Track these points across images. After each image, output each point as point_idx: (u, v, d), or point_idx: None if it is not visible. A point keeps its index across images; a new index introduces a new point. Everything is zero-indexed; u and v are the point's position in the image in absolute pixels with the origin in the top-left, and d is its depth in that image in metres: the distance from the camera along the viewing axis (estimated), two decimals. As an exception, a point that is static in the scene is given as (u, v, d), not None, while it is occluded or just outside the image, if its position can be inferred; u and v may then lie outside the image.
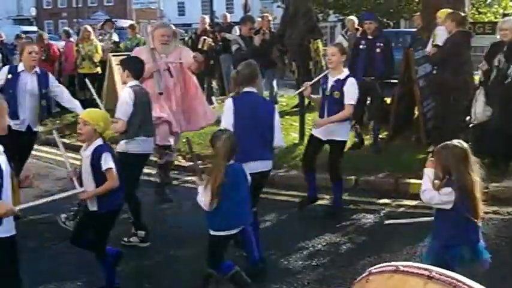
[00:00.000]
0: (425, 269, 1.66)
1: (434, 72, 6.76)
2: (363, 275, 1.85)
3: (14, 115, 4.94)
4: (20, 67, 5.32)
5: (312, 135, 5.28)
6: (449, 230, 3.10)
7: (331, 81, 5.02)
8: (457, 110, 6.58)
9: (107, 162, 3.52)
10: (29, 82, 5.28)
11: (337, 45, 5.11)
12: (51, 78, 5.54)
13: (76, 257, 4.39)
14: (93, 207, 3.62)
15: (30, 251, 4.51)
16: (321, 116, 5.11)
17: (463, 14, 6.75)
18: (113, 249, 3.82)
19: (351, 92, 4.97)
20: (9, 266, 2.99)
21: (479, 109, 6.13)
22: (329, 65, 5.06)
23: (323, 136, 5.10)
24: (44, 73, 5.49)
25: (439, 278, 1.61)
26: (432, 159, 3.26)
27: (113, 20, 13.21)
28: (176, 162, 6.97)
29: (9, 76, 5.25)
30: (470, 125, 6.51)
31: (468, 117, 6.50)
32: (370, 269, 1.85)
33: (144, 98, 4.66)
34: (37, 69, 5.37)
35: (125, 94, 4.57)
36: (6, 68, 5.41)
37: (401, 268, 1.72)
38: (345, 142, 5.24)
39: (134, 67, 4.68)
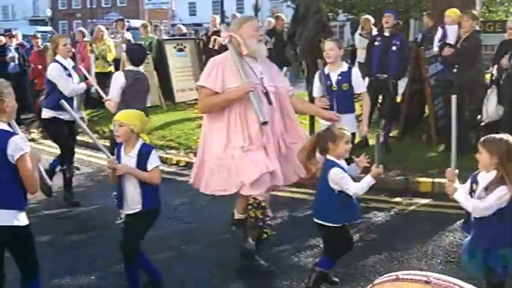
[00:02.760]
0: (423, 275, 1.75)
1: (455, 71, 6.68)
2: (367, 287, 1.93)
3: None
4: (64, 61, 5.40)
5: None
6: (492, 232, 3.04)
7: (334, 76, 5.05)
8: (469, 108, 6.59)
9: (155, 161, 3.52)
10: (75, 75, 5.48)
11: (334, 40, 5.15)
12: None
13: (90, 251, 4.48)
14: (136, 207, 3.55)
15: (45, 246, 4.60)
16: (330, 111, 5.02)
17: (475, 13, 6.78)
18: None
19: (360, 80, 5.16)
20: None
21: (492, 108, 6.14)
22: (328, 59, 5.05)
23: None
24: (75, 64, 5.73)
25: (436, 282, 1.70)
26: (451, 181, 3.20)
27: (126, 20, 13.32)
28: (188, 159, 7.06)
29: (67, 72, 5.37)
30: (482, 124, 6.51)
31: (479, 116, 6.51)
32: (374, 282, 1.93)
33: (135, 84, 4.86)
34: (71, 61, 5.56)
35: (115, 77, 4.96)
36: (58, 65, 5.35)
37: (401, 276, 1.80)
38: (355, 134, 5.25)
39: (133, 55, 5.12)
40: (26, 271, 3.13)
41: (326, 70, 5.11)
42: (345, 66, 5.07)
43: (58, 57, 5.39)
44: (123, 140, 3.53)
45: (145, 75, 5.32)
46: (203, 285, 4.00)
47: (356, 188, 3.50)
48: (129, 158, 3.52)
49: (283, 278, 4.02)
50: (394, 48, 6.86)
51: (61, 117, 5.28)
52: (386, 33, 6.99)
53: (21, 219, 2.99)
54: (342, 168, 3.55)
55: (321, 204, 3.67)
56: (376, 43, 7.06)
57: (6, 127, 2.96)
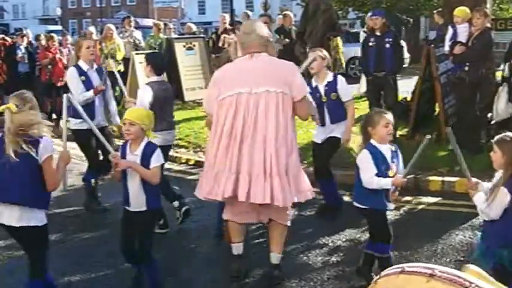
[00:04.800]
0: (429, 268, 1.77)
1: (466, 69, 6.63)
2: (374, 279, 1.95)
3: (91, 116, 4.93)
4: (84, 66, 5.25)
5: (315, 144, 5.24)
6: (493, 230, 3.08)
7: (321, 87, 4.96)
8: (479, 106, 6.56)
9: (158, 159, 3.55)
10: (97, 80, 5.30)
11: (317, 50, 5.06)
12: (105, 74, 5.55)
13: (101, 249, 4.51)
14: (141, 207, 3.57)
15: (56, 244, 4.64)
16: (323, 123, 5.02)
17: (487, 10, 6.75)
18: None
19: (347, 89, 5.06)
20: None
21: (502, 106, 6.11)
22: (311, 71, 4.98)
23: (325, 137, 5.02)
24: (101, 68, 5.55)
25: (441, 275, 1.71)
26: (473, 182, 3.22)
27: (133, 18, 13.33)
28: (197, 158, 7.07)
29: (83, 78, 5.19)
30: (493, 122, 6.48)
31: (490, 114, 6.48)
32: (379, 275, 1.94)
33: (161, 94, 4.75)
34: (95, 65, 5.43)
35: (143, 91, 4.76)
36: (74, 70, 5.24)
37: (407, 269, 1.81)
38: (339, 140, 5.12)
39: (156, 63, 4.87)
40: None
41: (313, 83, 5.03)
42: (330, 76, 4.99)
43: (80, 62, 5.29)
44: (134, 138, 3.57)
45: (169, 84, 5.16)
46: (211, 285, 4.01)
47: (368, 181, 3.57)
48: (135, 157, 3.55)
49: (292, 276, 4.01)
50: (387, 45, 6.99)
51: (84, 127, 4.90)
52: (378, 33, 7.11)
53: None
54: (381, 153, 3.60)
55: (356, 186, 3.78)
56: (370, 43, 7.20)
57: None
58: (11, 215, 3.14)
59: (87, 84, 5.22)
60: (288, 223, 3.96)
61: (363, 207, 3.73)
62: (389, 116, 3.68)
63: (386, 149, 3.65)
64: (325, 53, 5.13)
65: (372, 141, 3.65)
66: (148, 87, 4.73)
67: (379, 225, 3.78)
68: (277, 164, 3.58)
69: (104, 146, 3.98)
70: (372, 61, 7.14)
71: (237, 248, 3.98)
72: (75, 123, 5.17)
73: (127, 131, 3.55)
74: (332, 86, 4.96)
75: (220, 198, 3.70)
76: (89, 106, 5.11)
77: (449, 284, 1.68)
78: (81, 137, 5.25)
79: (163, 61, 5.06)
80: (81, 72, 5.23)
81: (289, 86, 3.65)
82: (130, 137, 3.57)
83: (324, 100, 4.97)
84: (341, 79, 5.03)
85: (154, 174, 3.52)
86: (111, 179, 3.81)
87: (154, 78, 4.82)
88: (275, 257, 3.92)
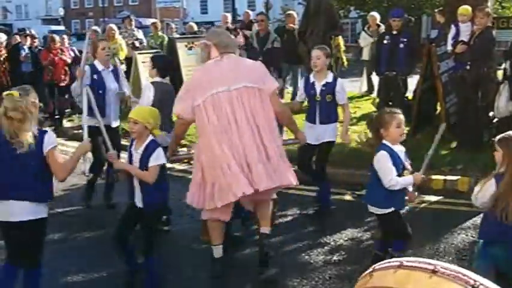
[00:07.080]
0: (430, 264, 1.69)
1: (468, 67, 6.61)
2: (367, 271, 1.87)
3: (102, 114, 4.91)
4: (99, 66, 5.33)
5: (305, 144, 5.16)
6: (492, 226, 3.07)
7: (319, 86, 4.94)
8: (482, 105, 6.55)
9: (157, 159, 3.58)
10: (111, 80, 5.37)
11: (322, 48, 5.03)
12: (120, 72, 5.64)
13: (102, 248, 4.52)
14: (139, 204, 3.68)
15: (57, 243, 4.65)
16: (312, 121, 5.00)
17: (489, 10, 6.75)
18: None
19: (344, 92, 5.06)
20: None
21: (502, 104, 6.11)
22: (314, 68, 4.97)
23: (315, 141, 4.98)
24: (116, 68, 5.61)
25: (444, 271, 1.63)
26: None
27: (136, 18, 13.37)
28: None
29: (95, 76, 5.24)
30: (495, 120, 6.48)
31: (491, 113, 6.48)
32: (374, 265, 1.88)
33: (162, 95, 4.79)
34: (111, 65, 5.51)
35: (146, 89, 4.84)
36: (88, 68, 5.30)
37: (406, 263, 1.72)
38: (334, 142, 5.16)
39: (161, 66, 4.97)
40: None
41: (311, 78, 5.02)
42: (330, 77, 4.96)
43: (96, 61, 5.35)
44: (137, 136, 3.64)
45: (172, 86, 5.21)
46: (211, 283, 4.02)
47: (391, 183, 3.52)
48: (137, 155, 3.62)
49: (293, 275, 4.02)
50: (401, 45, 6.94)
51: (92, 124, 4.61)
52: (394, 32, 7.09)
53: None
54: (396, 154, 3.57)
55: (370, 189, 3.75)
56: (385, 41, 7.15)
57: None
58: (19, 211, 3.14)
59: (100, 84, 5.24)
60: (274, 196, 4.20)
61: (382, 212, 3.65)
62: (401, 116, 3.64)
63: (399, 150, 3.62)
64: (328, 51, 5.13)
65: (385, 141, 3.60)
66: (152, 86, 4.81)
67: (400, 225, 3.74)
68: (275, 148, 3.83)
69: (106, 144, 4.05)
70: (384, 60, 7.08)
71: (219, 251, 4.04)
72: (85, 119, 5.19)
73: (131, 129, 3.65)
74: (330, 88, 4.93)
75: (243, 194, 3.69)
76: (100, 105, 5.12)
77: (453, 281, 1.60)
78: (90, 134, 5.26)
79: (168, 63, 5.16)
80: (95, 71, 5.29)
81: (263, 81, 3.91)
82: (133, 135, 3.67)
83: (318, 99, 4.96)
84: (340, 82, 5.02)
85: (150, 174, 3.56)
86: (118, 178, 3.92)
87: (158, 79, 4.91)
88: (267, 229, 4.08)
